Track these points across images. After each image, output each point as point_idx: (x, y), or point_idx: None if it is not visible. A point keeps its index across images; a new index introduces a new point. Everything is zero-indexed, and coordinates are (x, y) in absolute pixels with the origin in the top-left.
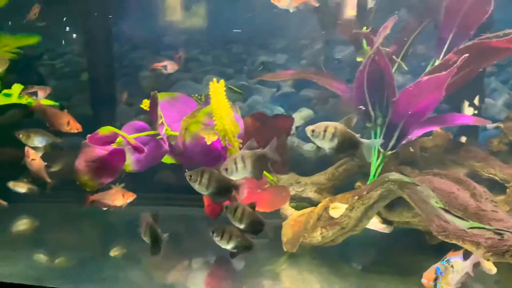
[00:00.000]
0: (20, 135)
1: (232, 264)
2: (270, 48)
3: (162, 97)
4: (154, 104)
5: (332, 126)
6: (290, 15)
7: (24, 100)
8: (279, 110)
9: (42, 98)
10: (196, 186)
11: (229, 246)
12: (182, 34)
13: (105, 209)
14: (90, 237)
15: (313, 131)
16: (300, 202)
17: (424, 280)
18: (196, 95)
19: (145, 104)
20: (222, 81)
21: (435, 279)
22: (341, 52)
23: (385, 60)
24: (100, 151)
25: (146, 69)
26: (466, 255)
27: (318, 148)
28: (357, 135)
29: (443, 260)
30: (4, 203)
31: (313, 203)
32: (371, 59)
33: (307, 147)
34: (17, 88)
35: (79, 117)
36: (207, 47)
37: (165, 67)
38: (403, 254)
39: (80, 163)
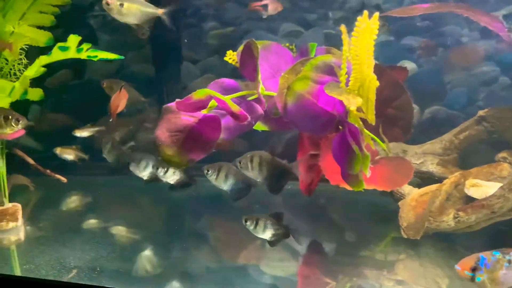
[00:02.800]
0: (104, 84)
1: (324, 249)
2: None
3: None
4: (249, 56)
5: (258, 155)
6: None
7: (84, 55)
8: None
9: None
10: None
11: (266, 236)
12: None
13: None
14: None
15: (240, 162)
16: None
17: (457, 267)
18: (287, 44)
19: (230, 56)
20: (376, 15)
21: (473, 269)
22: None
23: None
24: (188, 118)
25: (211, 19)
26: None
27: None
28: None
29: (497, 250)
30: (64, 179)
31: (435, 179)
32: None
33: None
34: (74, 40)
35: (137, 76)
36: None
37: (265, 7)
38: None
39: (162, 134)
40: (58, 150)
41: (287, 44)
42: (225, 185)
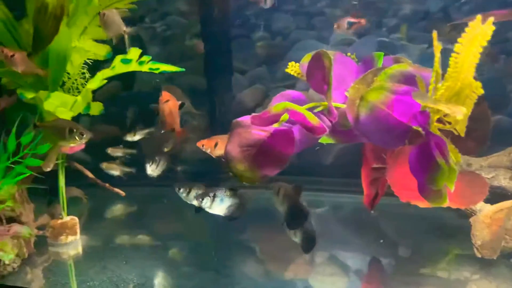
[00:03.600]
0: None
1: (382, 266)
2: None
3: (307, 59)
4: (318, 67)
5: (284, 189)
6: None
7: (145, 67)
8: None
9: None
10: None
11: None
12: None
13: None
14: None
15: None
16: None
17: None
18: (349, 53)
19: (292, 68)
20: (491, 20)
21: None
22: None
23: None
24: (259, 132)
25: (260, 29)
26: None
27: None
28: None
29: None
30: (122, 193)
31: (508, 195)
32: None
33: None
34: (135, 52)
35: (188, 88)
36: None
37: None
38: None
39: (233, 149)
40: (104, 166)
41: (348, 54)
42: (219, 210)
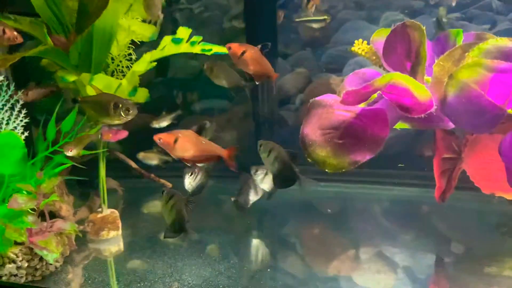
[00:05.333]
0: (205, 66)
1: (443, 264)
2: None
3: (380, 34)
4: (402, 41)
5: (277, 150)
6: None
7: (197, 49)
8: None
9: None
10: None
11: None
12: None
13: None
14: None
15: (261, 145)
16: None
17: None
18: None
19: (359, 46)
20: None
21: None
22: None
23: None
24: (343, 113)
25: (303, 11)
26: None
27: None
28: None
29: None
30: (169, 184)
31: None
32: None
33: None
34: (184, 32)
35: None
36: None
37: None
38: None
39: (313, 132)
40: (141, 156)
41: None
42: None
